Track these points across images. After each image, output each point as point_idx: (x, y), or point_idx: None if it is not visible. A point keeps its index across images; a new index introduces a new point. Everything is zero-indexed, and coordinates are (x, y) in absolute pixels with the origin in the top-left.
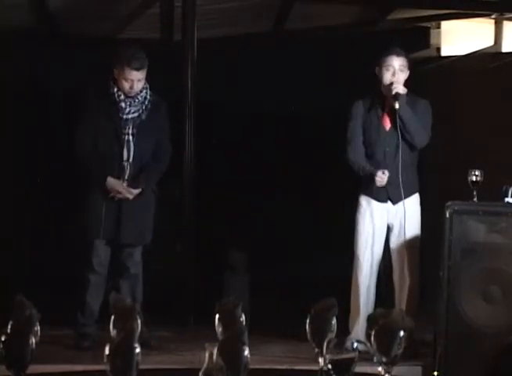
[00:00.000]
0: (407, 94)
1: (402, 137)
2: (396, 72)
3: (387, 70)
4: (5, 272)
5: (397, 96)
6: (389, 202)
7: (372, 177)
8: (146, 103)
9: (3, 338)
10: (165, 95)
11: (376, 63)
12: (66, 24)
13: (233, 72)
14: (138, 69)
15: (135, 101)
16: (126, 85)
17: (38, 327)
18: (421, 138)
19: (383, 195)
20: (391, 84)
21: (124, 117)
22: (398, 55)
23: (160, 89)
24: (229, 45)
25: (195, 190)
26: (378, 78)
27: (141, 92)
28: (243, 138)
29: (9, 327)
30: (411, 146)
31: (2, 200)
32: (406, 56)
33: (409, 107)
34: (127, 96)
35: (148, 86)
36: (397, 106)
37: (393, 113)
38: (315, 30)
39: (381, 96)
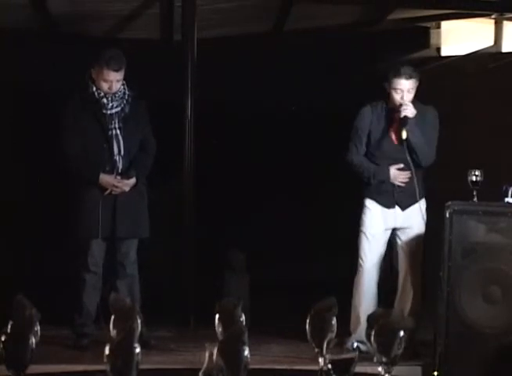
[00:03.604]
0: (415, 103)
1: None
2: (405, 95)
3: (396, 92)
4: (5, 272)
5: (405, 121)
6: (396, 207)
7: (379, 182)
8: (126, 97)
9: (3, 338)
10: (165, 95)
11: (385, 78)
12: (66, 24)
13: (233, 72)
14: (116, 70)
15: (115, 96)
16: (105, 86)
17: (38, 327)
18: (427, 160)
19: (390, 201)
20: (400, 105)
21: (108, 112)
22: (407, 78)
23: (161, 89)
24: (229, 45)
25: (195, 190)
26: (387, 90)
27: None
28: (243, 138)
29: (9, 327)
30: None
31: (2, 200)
32: (416, 76)
33: (418, 118)
34: (106, 93)
35: (125, 82)
36: (404, 136)
37: (401, 127)
38: (315, 30)
39: (390, 106)
